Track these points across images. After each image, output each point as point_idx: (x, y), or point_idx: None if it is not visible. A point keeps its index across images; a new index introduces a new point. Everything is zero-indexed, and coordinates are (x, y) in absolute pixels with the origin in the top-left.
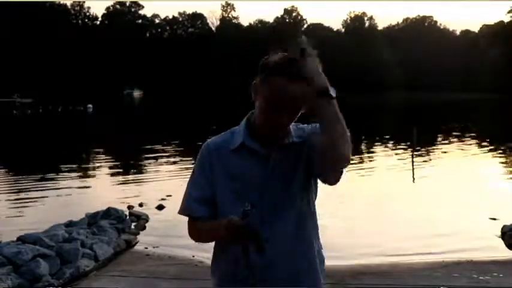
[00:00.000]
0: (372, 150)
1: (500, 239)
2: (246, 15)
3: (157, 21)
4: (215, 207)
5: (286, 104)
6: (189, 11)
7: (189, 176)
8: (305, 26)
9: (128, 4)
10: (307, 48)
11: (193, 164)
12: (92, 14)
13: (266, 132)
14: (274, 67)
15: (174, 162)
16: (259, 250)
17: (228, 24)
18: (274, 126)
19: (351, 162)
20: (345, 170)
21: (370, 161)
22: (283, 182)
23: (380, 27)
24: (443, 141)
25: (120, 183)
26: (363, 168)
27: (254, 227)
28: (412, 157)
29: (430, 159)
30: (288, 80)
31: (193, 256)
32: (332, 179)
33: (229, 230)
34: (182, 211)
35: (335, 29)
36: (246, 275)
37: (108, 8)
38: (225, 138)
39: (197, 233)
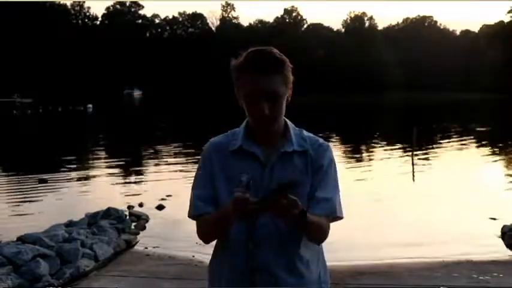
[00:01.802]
0: (372, 150)
1: (500, 239)
2: (246, 15)
3: (157, 21)
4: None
5: (261, 94)
6: (189, 11)
7: (190, 175)
8: (305, 26)
9: (127, 4)
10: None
11: (193, 164)
12: (92, 14)
13: (257, 127)
14: (242, 66)
15: (174, 163)
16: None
17: (228, 24)
18: (260, 117)
19: (351, 161)
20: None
21: (370, 161)
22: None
23: (380, 27)
24: (443, 141)
25: (120, 183)
26: (363, 168)
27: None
28: (412, 157)
29: (430, 159)
30: (258, 73)
31: (193, 256)
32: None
33: (237, 203)
34: (190, 213)
35: (335, 29)
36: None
37: (108, 8)
38: (226, 139)
39: (204, 228)
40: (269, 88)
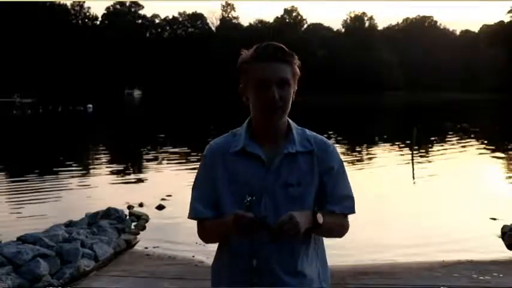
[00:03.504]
0: (372, 150)
1: (500, 239)
2: (246, 15)
3: (157, 21)
4: (219, 208)
5: (272, 80)
6: (189, 11)
7: (190, 175)
8: (305, 26)
9: (127, 4)
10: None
11: (193, 164)
12: (92, 14)
13: (263, 116)
14: (254, 56)
15: (174, 163)
16: (274, 239)
17: (228, 24)
18: (268, 103)
19: (351, 161)
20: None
21: (370, 161)
22: (284, 189)
23: (380, 27)
24: (443, 141)
25: (120, 183)
26: (363, 168)
27: (261, 217)
28: (412, 157)
29: (430, 159)
30: (269, 61)
31: (193, 256)
32: None
33: (236, 223)
34: (190, 215)
35: (335, 29)
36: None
37: (108, 8)
38: (227, 140)
39: (205, 234)
40: (279, 74)
